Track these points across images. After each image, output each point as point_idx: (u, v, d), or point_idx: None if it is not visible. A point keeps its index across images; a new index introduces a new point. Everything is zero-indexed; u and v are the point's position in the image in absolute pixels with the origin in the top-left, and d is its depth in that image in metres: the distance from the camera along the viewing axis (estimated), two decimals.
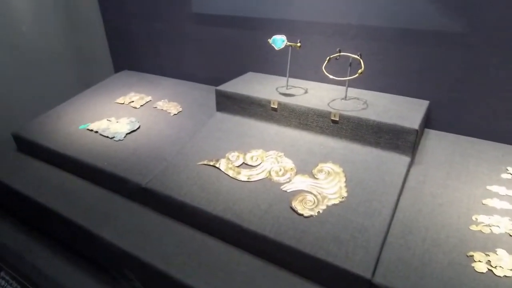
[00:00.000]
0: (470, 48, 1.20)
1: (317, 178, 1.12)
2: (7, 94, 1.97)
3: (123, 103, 1.73)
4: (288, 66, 1.38)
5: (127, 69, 2.21)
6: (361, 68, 1.18)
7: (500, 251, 0.86)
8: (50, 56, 2.14)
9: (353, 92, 1.37)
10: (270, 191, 1.10)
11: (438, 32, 1.23)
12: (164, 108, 1.64)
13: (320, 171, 1.13)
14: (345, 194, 1.06)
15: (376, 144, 1.17)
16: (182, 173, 1.23)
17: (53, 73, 2.17)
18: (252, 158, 1.23)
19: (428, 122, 1.34)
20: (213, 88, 1.49)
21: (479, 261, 0.84)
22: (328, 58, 1.26)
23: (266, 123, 1.37)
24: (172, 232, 1.13)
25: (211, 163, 1.23)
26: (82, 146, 1.46)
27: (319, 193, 1.06)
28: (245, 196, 1.10)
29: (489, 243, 0.88)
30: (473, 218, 0.94)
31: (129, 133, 1.48)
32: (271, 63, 1.61)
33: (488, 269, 0.82)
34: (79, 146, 1.47)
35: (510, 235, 0.89)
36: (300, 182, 1.11)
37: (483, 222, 0.93)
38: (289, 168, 1.17)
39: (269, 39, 1.33)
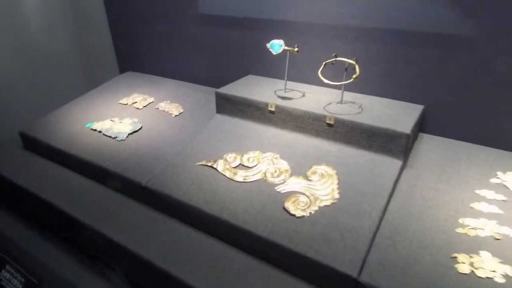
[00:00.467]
0: (467, 53, 1.22)
1: (310, 180, 1.15)
2: (15, 93, 2.03)
3: (127, 104, 1.77)
4: (286, 70, 1.42)
5: (131, 70, 2.27)
6: (356, 73, 1.21)
7: (483, 253, 0.88)
8: (57, 58, 2.20)
9: (349, 96, 1.40)
10: (264, 192, 1.14)
11: (435, 36, 1.25)
12: (166, 109, 1.68)
13: (314, 173, 1.17)
14: (337, 196, 1.09)
15: (369, 147, 1.20)
16: (181, 173, 1.27)
17: (60, 74, 2.23)
18: (248, 159, 1.26)
19: (423, 126, 1.37)
20: (214, 90, 1.53)
21: (463, 262, 0.87)
22: (324, 63, 1.29)
23: (263, 125, 1.41)
24: (169, 230, 1.17)
25: (209, 164, 1.27)
26: (85, 145, 1.51)
27: (312, 195, 1.10)
28: (241, 196, 1.14)
29: (474, 245, 0.91)
30: (460, 221, 0.97)
31: (131, 133, 1.53)
32: (272, 66, 1.64)
33: (471, 270, 0.85)
34: (83, 145, 1.52)
35: (495, 238, 0.92)
36: (294, 184, 1.14)
37: (469, 225, 0.96)
38: (284, 170, 1.20)
39: (267, 44, 1.36)
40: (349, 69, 1.25)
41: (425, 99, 1.35)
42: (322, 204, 1.07)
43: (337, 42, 1.44)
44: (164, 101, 1.76)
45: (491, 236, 0.93)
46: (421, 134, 1.36)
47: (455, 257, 0.88)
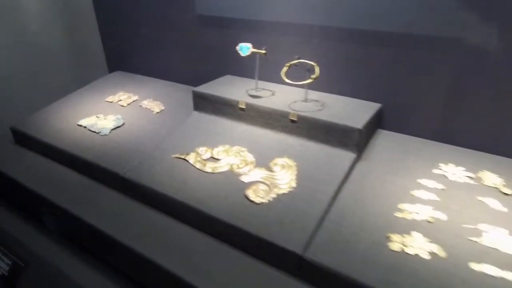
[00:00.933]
0: (422, 54, 1.33)
1: (272, 171, 1.26)
2: (8, 91, 2.15)
3: (112, 102, 1.89)
4: (257, 71, 1.53)
5: (120, 70, 2.38)
6: (315, 74, 1.33)
7: (415, 234, 1.00)
8: (49, 57, 2.32)
9: (315, 95, 1.51)
10: (230, 182, 1.25)
11: (393, 37, 1.36)
12: (148, 107, 1.80)
13: (276, 164, 1.28)
14: (294, 185, 1.20)
15: (327, 141, 1.31)
16: (157, 164, 1.38)
17: (51, 73, 2.35)
18: (218, 152, 1.37)
19: (382, 123, 1.48)
20: None
21: (395, 241, 0.98)
22: (287, 64, 1.40)
23: (235, 122, 1.52)
24: (144, 216, 1.28)
25: (182, 156, 1.38)
26: (72, 139, 1.63)
27: (272, 183, 1.21)
28: (208, 186, 1.25)
29: (408, 227, 1.02)
30: (399, 206, 1.08)
31: (114, 128, 1.64)
32: (248, 67, 1.75)
33: (402, 248, 0.96)
34: (69, 139, 1.63)
35: (428, 221, 1.03)
36: (256, 174, 1.26)
37: (407, 210, 1.07)
38: (249, 162, 1.31)
39: (237, 47, 1.48)
40: (311, 70, 1.37)
41: (384, 98, 1.46)
42: (280, 192, 1.18)
43: (306, 44, 1.55)
44: (147, 99, 1.87)
45: (425, 219, 1.04)
46: (379, 130, 1.47)
47: (389, 237, 0.99)
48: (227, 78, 1.78)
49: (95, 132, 1.64)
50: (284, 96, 1.52)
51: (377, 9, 1.36)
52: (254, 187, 1.21)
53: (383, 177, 1.22)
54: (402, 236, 0.99)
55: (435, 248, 0.96)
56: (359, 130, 1.25)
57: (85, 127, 1.68)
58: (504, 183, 1.14)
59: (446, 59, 1.30)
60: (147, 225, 1.25)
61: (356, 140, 1.26)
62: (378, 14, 1.37)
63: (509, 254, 0.92)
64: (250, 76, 1.76)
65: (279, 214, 1.11)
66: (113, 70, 2.42)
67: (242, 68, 1.80)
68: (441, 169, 1.21)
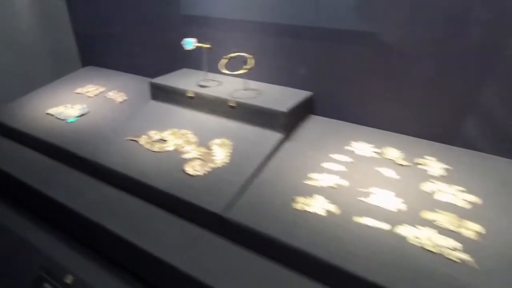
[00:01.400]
0: (345, 46, 1.53)
1: (210, 149, 1.45)
2: None
3: (80, 93, 2.06)
4: (205, 64, 1.72)
5: (93, 65, 2.55)
6: (249, 65, 1.52)
7: (317, 196, 1.19)
8: (25, 54, 2.48)
9: (255, 84, 1.70)
10: (173, 159, 1.44)
11: (324, 31, 1.55)
12: (113, 97, 1.98)
13: (214, 144, 1.47)
14: (227, 160, 1.39)
15: (260, 124, 1.51)
16: (112, 146, 1.57)
17: (27, 67, 2.52)
18: (166, 135, 1.56)
19: (313, 109, 1.67)
20: None
21: (299, 202, 1.17)
22: (225, 57, 1.58)
23: (185, 109, 1.71)
24: (98, 191, 1.47)
25: (134, 139, 1.57)
26: (41, 127, 1.80)
27: (208, 159, 1.40)
28: (154, 162, 1.44)
29: (313, 191, 1.22)
30: (309, 175, 1.28)
31: (79, 116, 1.82)
32: (202, 61, 1.94)
33: (304, 207, 1.16)
34: (40, 127, 1.81)
35: (331, 187, 1.23)
36: (196, 152, 1.44)
37: (315, 178, 1.26)
38: (192, 142, 1.50)
39: (182, 41, 1.66)
40: (248, 62, 1.56)
41: (315, 87, 1.66)
42: (215, 166, 1.37)
43: (250, 39, 1.74)
44: (113, 91, 2.05)
45: (329, 186, 1.24)
46: (311, 116, 1.66)
47: (294, 199, 1.19)
48: (183, 71, 1.97)
49: (61, 119, 1.82)
50: (229, 86, 1.71)
51: (309, 7, 1.56)
52: (192, 162, 1.39)
53: (302, 153, 1.41)
54: (306, 198, 1.19)
55: (332, 207, 1.15)
56: (284, 113, 1.44)
57: (53, 115, 1.86)
58: (402, 157, 1.34)
59: (363, 50, 1.50)
60: (101, 198, 1.43)
61: (282, 122, 1.46)
62: (309, 11, 1.56)
63: (388, 209, 1.12)
64: (203, 69, 1.95)
65: (209, 183, 1.30)
66: (86, 65, 2.60)
67: (199, 63, 1.99)
68: (351, 146, 1.41)
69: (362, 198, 1.17)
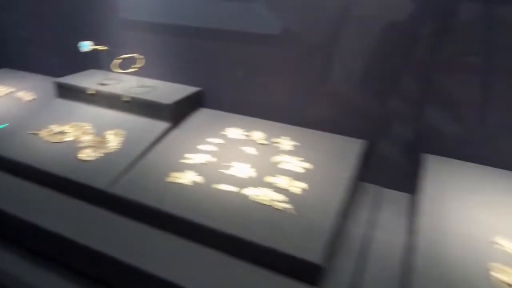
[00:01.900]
0: (233, 46, 1.81)
1: (106, 138, 1.66)
2: None
3: None
4: (104, 64, 1.92)
5: (9, 67, 2.63)
6: (138, 64, 1.76)
7: (188, 171, 1.45)
8: None
9: (150, 82, 1.94)
10: (70, 148, 1.63)
11: (213, 32, 1.82)
12: (21, 97, 2.10)
13: (108, 134, 1.68)
14: (119, 146, 1.61)
15: (150, 115, 1.75)
16: (16, 139, 1.72)
17: None
18: (67, 128, 1.74)
19: (203, 102, 1.94)
20: None
21: (172, 176, 1.42)
22: (118, 58, 1.80)
23: (87, 105, 1.90)
24: (2, 180, 1.61)
25: (36, 132, 1.73)
26: None
27: (101, 147, 1.61)
28: (53, 151, 1.62)
29: (186, 167, 1.47)
30: (185, 155, 1.53)
31: None
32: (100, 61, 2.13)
33: (176, 179, 1.40)
34: None
35: (202, 163, 1.49)
36: (91, 141, 1.64)
37: (189, 158, 1.52)
38: (89, 133, 1.70)
39: (78, 44, 1.86)
40: (138, 62, 1.79)
41: (205, 83, 1.92)
42: (107, 152, 1.58)
43: (148, 39, 1.97)
44: (23, 91, 2.18)
45: (200, 163, 1.50)
46: (201, 109, 1.93)
47: (168, 174, 1.43)
48: (90, 71, 2.15)
49: None
50: (127, 84, 1.93)
51: (200, 10, 1.81)
52: (86, 150, 1.59)
53: (184, 138, 1.67)
54: (178, 173, 1.44)
55: (198, 179, 1.41)
56: (169, 105, 1.69)
57: None
58: (264, 137, 1.64)
59: (241, 48, 1.79)
60: (4, 187, 1.58)
61: (169, 114, 1.71)
62: (201, 14, 1.82)
63: (240, 177, 1.40)
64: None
65: (99, 165, 1.51)
66: (1, 67, 2.66)
67: (107, 63, 2.18)
68: (226, 131, 1.69)
69: (223, 170, 1.45)
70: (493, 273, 1.02)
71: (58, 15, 2.28)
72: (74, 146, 1.63)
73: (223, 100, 1.91)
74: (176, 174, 1.44)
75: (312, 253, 1.11)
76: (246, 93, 1.84)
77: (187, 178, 1.42)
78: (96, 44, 1.88)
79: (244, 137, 1.66)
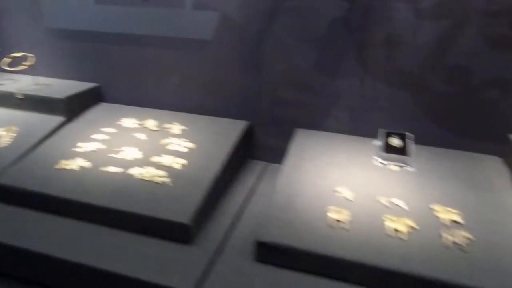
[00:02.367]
0: (130, 48, 1.92)
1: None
2: None
3: None
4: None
5: None
6: (28, 62, 1.81)
7: (78, 158, 1.53)
8: None
9: (48, 80, 1.99)
10: None
11: (115, 35, 1.92)
12: None
13: (1, 130, 1.71)
14: (10, 142, 1.65)
15: (45, 111, 1.80)
16: None
17: None
18: None
19: (103, 97, 2.03)
20: None
21: (61, 164, 1.50)
22: (9, 56, 1.84)
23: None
24: None
25: None
26: None
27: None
28: None
29: (76, 155, 1.55)
30: (77, 144, 1.62)
31: None
32: None
33: (63, 167, 1.48)
34: None
35: (93, 150, 1.58)
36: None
37: (81, 146, 1.60)
38: None
39: None
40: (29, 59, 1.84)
41: (105, 80, 2.01)
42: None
43: (50, 40, 2.02)
44: None
45: (91, 150, 1.59)
46: (100, 103, 2.01)
47: (58, 162, 1.51)
48: None
49: None
50: (22, 83, 1.96)
51: (94, 16, 1.91)
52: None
53: (79, 130, 1.74)
54: (68, 160, 1.52)
55: (86, 164, 1.50)
56: (62, 100, 1.77)
57: None
58: (157, 124, 1.77)
59: (135, 49, 1.90)
60: None
61: (62, 108, 1.78)
62: (95, 19, 1.91)
63: (127, 159, 1.52)
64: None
65: (13, 152, 1.58)
66: None
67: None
68: (120, 122, 1.79)
69: (112, 155, 1.55)
70: (329, 214, 1.24)
71: None
72: None
73: (121, 95, 2.00)
74: (65, 162, 1.51)
75: (182, 216, 1.26)
76: (142, 87, 1.96)
77: (75, 164, 1.50)
78: None
79: (137, 126, 1.77)
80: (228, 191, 1.60)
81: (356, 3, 1.53)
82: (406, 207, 1.26)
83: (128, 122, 1.79)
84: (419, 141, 1.56)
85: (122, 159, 1.53)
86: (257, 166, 1.83)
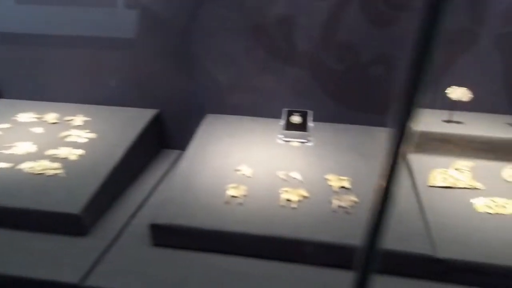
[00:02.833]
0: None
1: None
2: None
3: None
4: None
5: None
6: None
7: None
8: None
9: None
10: None
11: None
12: None
13: None
14: None
15: None
16: None
17: None
18: None
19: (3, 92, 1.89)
20: None
21: None
22: None
23: None
24: None
25: None
26: None
27: None
28: None
29: None
30: None
31: None
32: None
33: None
34: None
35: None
36: None
37: None
38: None
39: None
40: None
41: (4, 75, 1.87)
42: None
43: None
44: None
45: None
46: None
47: None
48: None
49: None
50: None
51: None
52: None
53: None
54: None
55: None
56: None
57: None
58: (57, 117, 1.67)
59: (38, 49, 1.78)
60: None
61: None
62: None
63: (19, 154, 1.42)
64: None
65: None
66: None
67: None
68: (17, 116, 1.67)
69: (3, 151, 1.44)
70: (227, 191, 1.25)
71: None
72: None
73: (22, 90, 1.87)
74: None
75: (72, 207, 1.19)
76: (43, 82, 1.84)
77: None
78: None
79: (35, 120, 1.65)
80: (136, 181, 1.55)
81: None
82: (302, 179, 1.31)
83: (25, 116, 1.67)
84: (321, 118, 1.64)
85: (11, 154, 1.42)
86: (172, 154, 1.79)
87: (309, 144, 1.49)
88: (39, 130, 1.58)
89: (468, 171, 1.29)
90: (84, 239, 1.20)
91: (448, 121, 1.42)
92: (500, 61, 1.46)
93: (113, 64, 1.78)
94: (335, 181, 1.29)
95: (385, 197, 0.47)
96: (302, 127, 1.52)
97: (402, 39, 1.49)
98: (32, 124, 1.62)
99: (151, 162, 1.72)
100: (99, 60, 1.78)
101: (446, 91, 1.36)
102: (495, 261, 1.01)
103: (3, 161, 1.37)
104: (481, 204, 1.16)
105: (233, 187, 1.25)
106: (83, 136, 1.53)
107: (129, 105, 1.79)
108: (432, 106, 1.53)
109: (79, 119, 1.65)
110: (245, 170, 1.35)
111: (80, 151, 1.43)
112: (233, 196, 1.22)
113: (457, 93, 1.35)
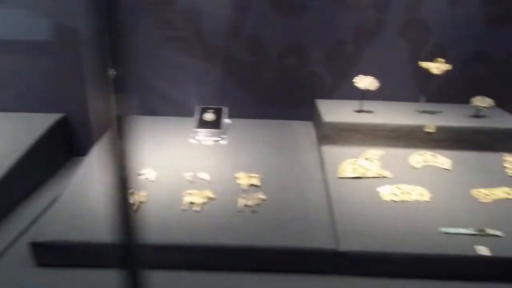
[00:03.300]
0: None
1: None
2: None
3: None
4: None
5: None
6: None
7: None
8: None
9: None
10: None
11: None
12: None
13: None
14: None
15: None
16: None
17: None
18: None
19: None
20: None
21: None
22: None
23: None
24: None
25: None
26: None
27: None
28: None
29: None
30: None
31: None
32: None
33: None
34: None
35: None
36: None
37: None
38: None
39: None
40: None
41: None
42: None
43: None
44: None
45: None
46: None
47: None
48: None
49: None
50: None
51: None
52: None
53: None
54: None
55: None
56: None
57: None
58: None
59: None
60: None
61: None
62: None
63: None
64: None
65: None
66: None
67: None
68: None
69: None
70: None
71: None
72: None
73: None
74: None
75: None
76: None
77: None
78: None
79: None
80: (35, 193, 1.40)
81: None
82: (210, 179, 1.23)
83: None
84: (238, 114, 1.57)
85: None
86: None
87: (223, 142, 1.42)
88: None
89: (377, 160, 1.28)
90: None
91: (359, 111, 1.41)
92: (406, 48, 1.48)
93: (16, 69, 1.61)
94: (245, 179, 1.22)
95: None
96: (215, 124, 1.45)
97: (313, 29, 1.47)
98: None
99: (59, 170, 1.57)
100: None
101: (353, 81, 1.34)
102: (396, 250, 0.99)
103: None
104: (386, 192, 1.15)
105: (130, 194, 1.15)
106: None
107: (33, 111, 1.62)
108: (346, 97, 1.52)
109: None
110: (149, 173, 1.24)
111: None
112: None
113: (364, 82, 1.33)
